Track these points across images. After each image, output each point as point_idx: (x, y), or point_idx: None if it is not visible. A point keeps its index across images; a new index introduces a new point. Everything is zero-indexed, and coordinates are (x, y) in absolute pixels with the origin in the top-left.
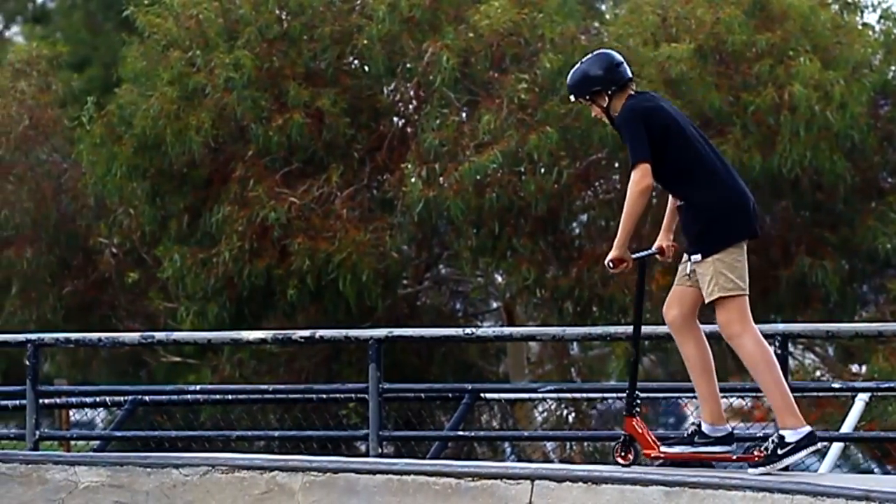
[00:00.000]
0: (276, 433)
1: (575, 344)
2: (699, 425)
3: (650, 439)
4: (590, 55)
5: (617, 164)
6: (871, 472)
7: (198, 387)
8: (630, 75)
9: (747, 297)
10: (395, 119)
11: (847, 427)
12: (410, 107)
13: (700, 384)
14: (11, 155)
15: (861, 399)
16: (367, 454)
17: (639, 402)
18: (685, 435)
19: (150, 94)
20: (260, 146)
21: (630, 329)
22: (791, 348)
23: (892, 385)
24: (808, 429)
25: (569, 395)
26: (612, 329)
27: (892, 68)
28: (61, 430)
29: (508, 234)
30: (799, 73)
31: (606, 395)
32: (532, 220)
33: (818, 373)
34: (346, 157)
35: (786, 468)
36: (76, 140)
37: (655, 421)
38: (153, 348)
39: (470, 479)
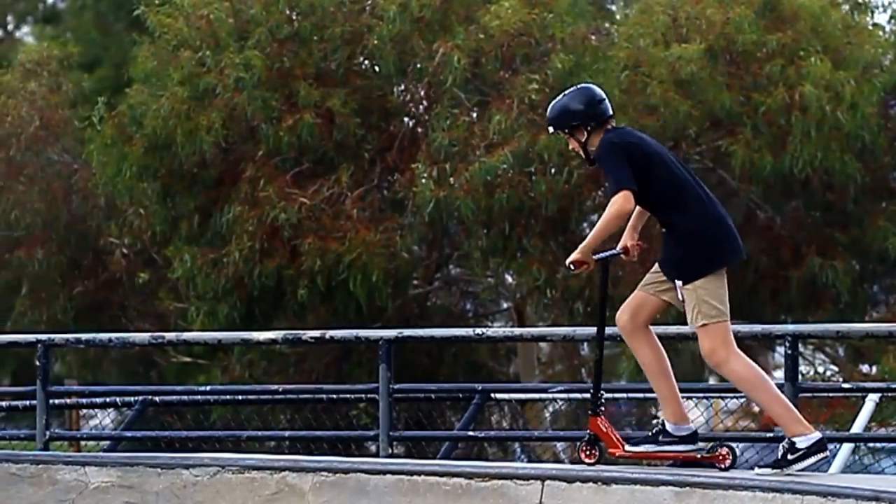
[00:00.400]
0: (287, 433)
1: (585, 344)
2: (663, 424)
3: (615, 438)
4: (572, 88)
5: None
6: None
7: (208, 387)
8: (611, 113)
9: (729, 321)
10: (406, 119)
11: (857, 427)
12: (421, 107)
13: (659, 386)
14: (22, 155)
15: (871, 399)
16: (377, 454)
17: (603, 401)
18: (650, 434)
19: (160, 95)
20: (270, 146)
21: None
22: (801, 349)
23: None
24: (817, 435)
25: (579, 396)
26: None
27: None
28: (71, 430)
29: (519, 235)
30: (809, 74)
31: (616, 395)
32: (542, 220)
33: (828, 373)
34: (357, 158)
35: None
36: (87, 140)
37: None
38: (163, 349)
39: (480, 479)
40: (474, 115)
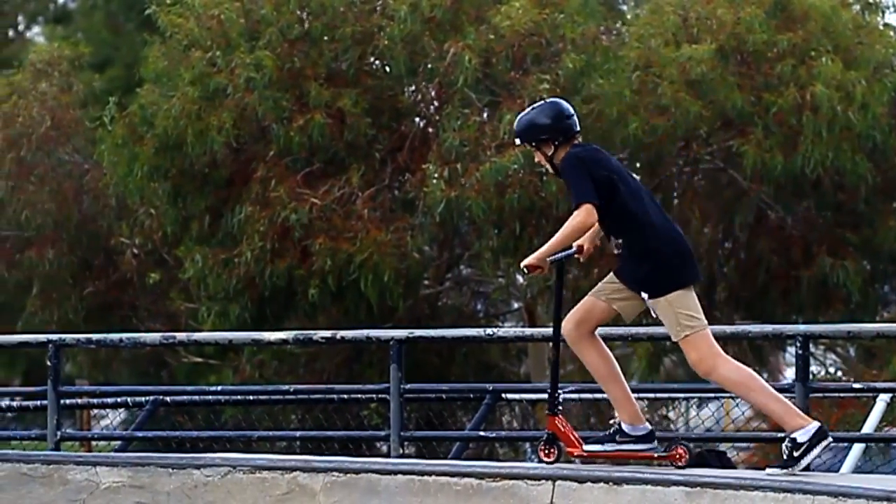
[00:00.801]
0: (298, 434)
1: None
2: (620, 424)
3: (573, 437)
4: (541, 102)
5: (639, 164)
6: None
7: (219, 387)
8: (578, 129)
9: (708, 328)
10: (417, 119)
11: (868, 428)
12: (432, 107)
13: (611, 389)
14: (33, 155)
15: (882, 399)
16: (388, 454)
17: (560, 401)
18: (607, 434)
19: (171, 95)
20: (281, 146)
21: (650, 329)
22: (812, 349)
23: None
24: (816, 424)
25: (590, 396)
26: (633, 329)
27: None
28: (82, 430)
29: (530, 235)
30: (820, 74)
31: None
32: (553, 220)
33: (839, 373)
34: (368, 158)
35: (807, 468)
36: (97, 140)
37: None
38: (174, 349)
39: (491, 479)
40: (485, 115)
